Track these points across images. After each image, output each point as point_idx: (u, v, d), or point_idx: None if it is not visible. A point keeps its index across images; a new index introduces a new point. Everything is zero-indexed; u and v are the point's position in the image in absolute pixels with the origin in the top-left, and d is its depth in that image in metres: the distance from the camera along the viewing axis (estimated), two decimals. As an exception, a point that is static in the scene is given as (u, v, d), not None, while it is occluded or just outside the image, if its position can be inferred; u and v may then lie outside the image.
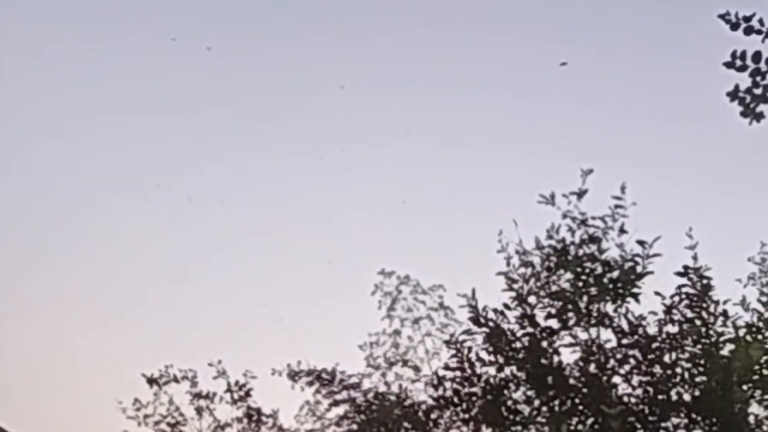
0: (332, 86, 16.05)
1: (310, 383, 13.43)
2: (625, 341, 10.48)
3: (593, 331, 10.68)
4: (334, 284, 15.59)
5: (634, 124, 16.81)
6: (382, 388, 13.30)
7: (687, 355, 10.34)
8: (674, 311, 10.40)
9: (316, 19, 17.28)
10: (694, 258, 10.54)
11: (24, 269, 17.82)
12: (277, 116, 17.46)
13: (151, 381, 14.19)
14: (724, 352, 10.30)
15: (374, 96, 17.06)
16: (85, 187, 17.84)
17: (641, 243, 10.51)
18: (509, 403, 10.69)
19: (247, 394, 14.00)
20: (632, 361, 10.45)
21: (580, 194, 10.70)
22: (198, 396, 14.15)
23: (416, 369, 13.37)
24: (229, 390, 14.01)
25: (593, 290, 10.53)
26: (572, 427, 10.30)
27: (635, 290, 10.48)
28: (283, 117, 17.40)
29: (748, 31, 6.78)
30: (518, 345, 10.67)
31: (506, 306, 10.67)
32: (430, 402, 11.69)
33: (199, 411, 14.14)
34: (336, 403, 13.37)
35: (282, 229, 17.12)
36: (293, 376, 13.45)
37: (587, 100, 16.86)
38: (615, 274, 10.54)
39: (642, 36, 17.05)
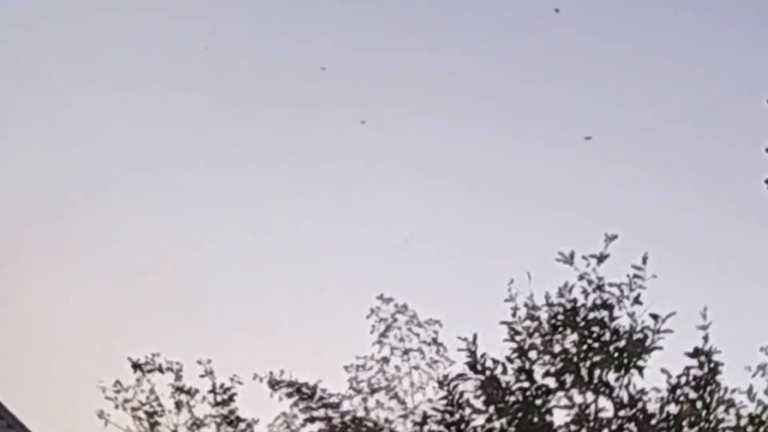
0: (353, 120, 15.92)
1: (290, 395, 13.22)
2: (622, 413, 10.27)
3: (590, 396, 10.47)
4: (330, 305, 15.43)
5: (661, 195, 16.69)
6: (361, 413, 13.10)
7: (684, 436, 10.14)
8: (678, 391, 10.19)
9: (341, 52, 17.12)
10: (705, 339, 10.34)
11: (31, 219, 17.59)
12: (290, 143, 17.42)
13: (136, 366, 13.96)
14: (722, 439, 10.09)
15: (391, 130, 16.96)
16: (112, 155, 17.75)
17: (654, 316, 10.30)
18: (495, 455, 10.47)
19: (231, 398, 13.79)
20: (627, 434, 10.25)
21: (601, 258, 10.48)
22: (180, 390, 13.94)
23: (401, 402, 13.16)
24: (213, 391, 13.80)
25: (597, 357, 10.32)
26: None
27: (641, 363, 10.27)
28: (301, 145, 17.35)
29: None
30: (512, 399, 10.45)
31: (508, 359, 10.45)
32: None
33: (178, 405, 13.92)
34: (312, 420, 13.15)
35: (288, 245, 17.02)
36: (273, 384, 13.23)
37: (614, 167, 16.68)
38: (622, 343, 10.33)
39: (681, 112, 16.97)
